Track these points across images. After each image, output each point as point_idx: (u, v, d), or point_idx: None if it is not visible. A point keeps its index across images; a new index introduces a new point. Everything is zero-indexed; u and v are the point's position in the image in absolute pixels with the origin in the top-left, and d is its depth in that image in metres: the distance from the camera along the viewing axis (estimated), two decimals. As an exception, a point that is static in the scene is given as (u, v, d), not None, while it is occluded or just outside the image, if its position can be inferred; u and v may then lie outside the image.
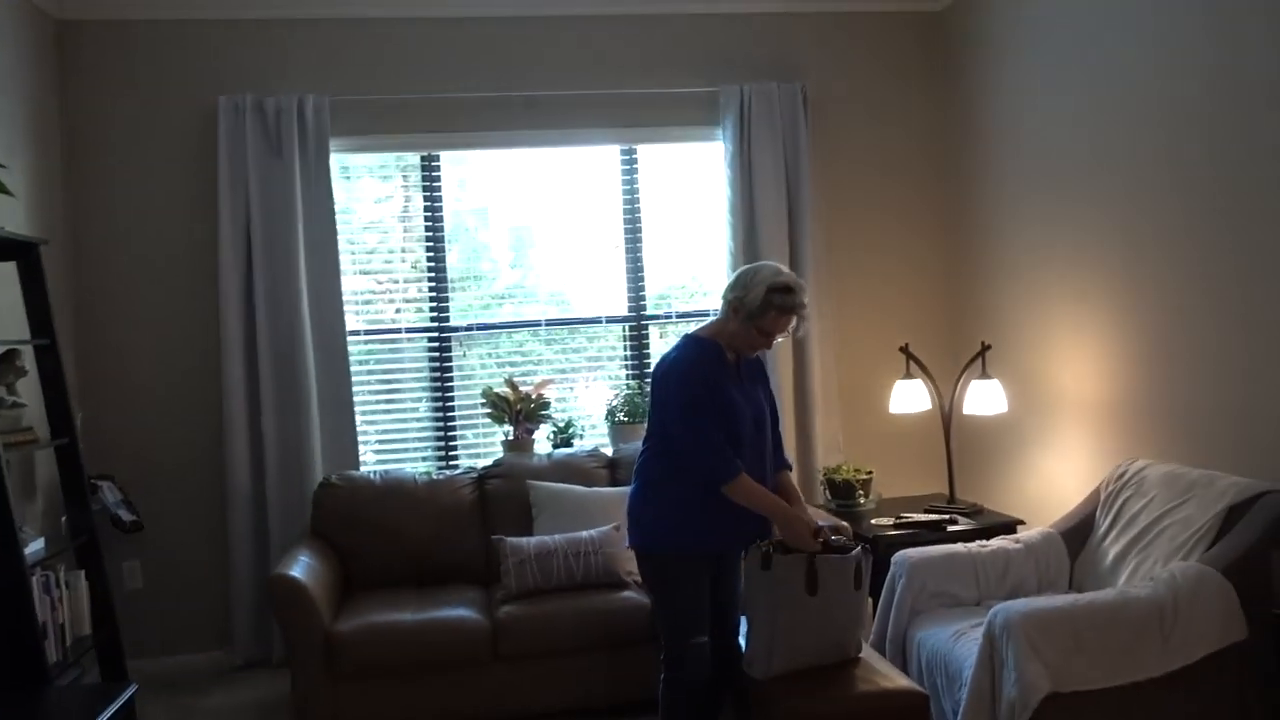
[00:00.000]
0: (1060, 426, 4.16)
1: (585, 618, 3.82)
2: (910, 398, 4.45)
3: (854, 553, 2.98)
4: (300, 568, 3.83)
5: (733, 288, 3.02)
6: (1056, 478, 4.17)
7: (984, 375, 4.21)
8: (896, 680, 2.91)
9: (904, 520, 4.14)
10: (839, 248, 5.00)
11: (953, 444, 4.38)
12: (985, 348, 4.25)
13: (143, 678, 4.46)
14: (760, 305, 2.94)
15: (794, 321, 3.01)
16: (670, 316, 5.11)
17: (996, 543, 3.63)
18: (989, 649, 2.86)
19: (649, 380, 5.09)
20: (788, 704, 2.81)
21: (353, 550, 4.26)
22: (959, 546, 3.62)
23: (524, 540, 4.03)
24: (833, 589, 2.91)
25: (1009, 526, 4.09)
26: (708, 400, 2.96)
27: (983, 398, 4.21)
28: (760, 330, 2.98)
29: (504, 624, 3.79)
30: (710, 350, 3.05)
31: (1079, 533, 3.60)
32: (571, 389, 5.11)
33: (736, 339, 3.03)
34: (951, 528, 4.08)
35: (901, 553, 3.59)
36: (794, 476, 3.31)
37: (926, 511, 4.29)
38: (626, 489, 4.46)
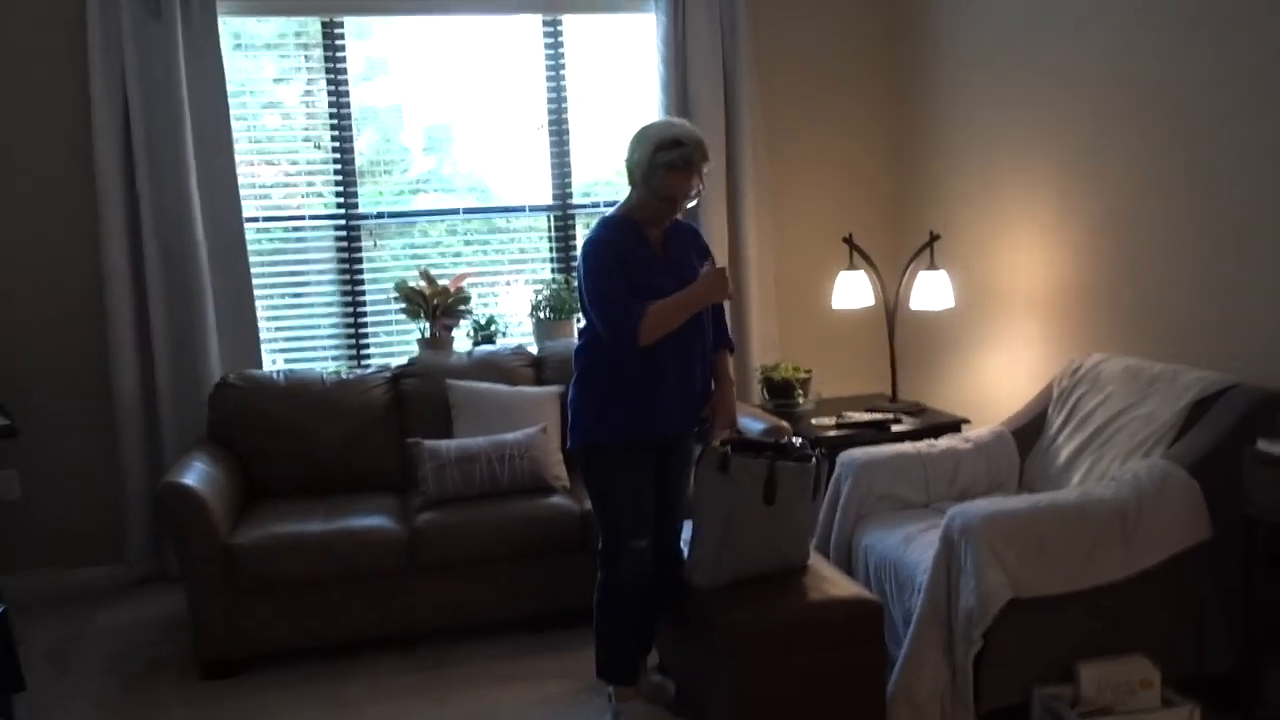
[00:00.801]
0: (1010, 322, 3.98)
1: (510, 525, 3.56)
2: (853, 292, 4.22)
3: (813, 461, 2.76)
4: (194, 475, 3.48)
5: (627, 153, 2.80)
6: (1005, 376, 4.00)
7: (931, 267, 3.99)
8: (846, 588, 2.73)
9: (845, 421, 3.95)
10: (780, 132, 4.68)
11: (896, 341, 4.17)
12: (934, 238, 4.01)
13: (30, 594, 4.11)
14: (649, 166, 2.71)
15: (695, 181, 2.75)
16: (598, 206, 4.77)
17: (945, 442, 3.45)
18: (946, 554, 2.68)
19: (572, 273, 4.80)
20: (731, 616, 2.60)
21: (254, 456, 3.91)
22: (907, 446, 3.43)
23: (443, 443, 3.73)
24: (789, 498, 2.69)
25: (953, 426, 3.93)
26: (614, 270, 2.73)
27: (929, 291, 3.99)
28: (657, 194, 2.73)
29: (422, 532, 3.51)
30: (621, 225, 2.82)
31: (1030, 431, 3.44)
32: (493, 288, 4.76)
33: (641, 210, 2.80)
34: (895, 427, 3.90)
35: (847, 453, 3.38)
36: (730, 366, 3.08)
37: (868, 411, 4.11)
38: (553, 388, 4.22)
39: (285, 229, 4.52)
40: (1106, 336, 3.51)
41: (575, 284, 3.06)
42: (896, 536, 3.07)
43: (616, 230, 2.81)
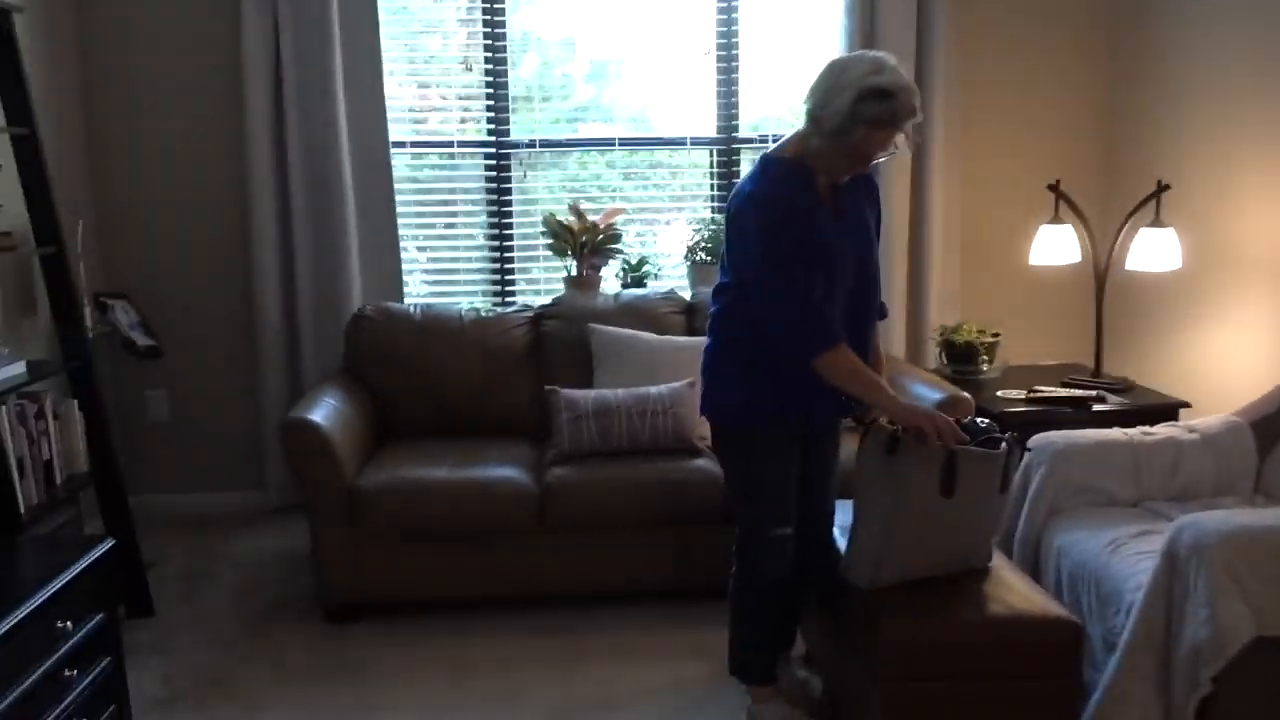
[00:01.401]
0: (1250, 292, 3.34)
1: (648, 488, 3.24)
2: (1056, 247, 3.65)
3: (1003, 447, 2.30)
4: (323, 411, 3.31)
5: (813, 93, 2.25)
6: (1239, 356, 3.37)
7: (1156, 222, 3.38)
8: (1037, 602, 2.27)
9: (1038, 395, 3.43)
10: (977, 56, 4.09)
11: (1105, 305, 3.59)
12: (1162, 188, 3.39)
13: (168, 516, 4.10)
14: (845, 118, 2.17)
15: (897, 138, 2.24)
16: (767, 140, 4.32)
17: (1164, 430, 2.90)
18: (1169, 573, 2.19)
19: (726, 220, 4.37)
20: (891, 628, 2.20)
21: (387, 393, 3.72)
22: (1115, 432, 2.91)
23: (581, 394, 3.43)
24: (972, 490, 2.25)
25: (1170, 411, 3.35)
26: (794, 243, 2.26)
27: (1151, 250, 3.39)
28: (849, 152, 2.23)
29: (553, 489, 3.23)
30: (795, 174, 2.32)
31: (1272, 426, 2.85)
32: (651, 227, 4.41)
33: (822, 160, 2.28)
34: (1097, 407, 3.35)
35: (1043, 436, 2.89)
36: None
37: (1065, 386, 3.57)
38: (703, 339, 3.82)
39: (438, 155, 4.28)
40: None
41: (722, 233, 2.57)
42: (1100, 541, 2.58)
43: (788, 175, 2.30)
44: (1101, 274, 3.55)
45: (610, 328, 3.72)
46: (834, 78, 2.21)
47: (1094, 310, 3.59)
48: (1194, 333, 3.54)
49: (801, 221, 2.28)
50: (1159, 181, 3.39)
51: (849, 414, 2.47)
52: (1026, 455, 2.92)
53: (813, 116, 2.24)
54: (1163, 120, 3.70)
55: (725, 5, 4.19)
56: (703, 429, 3.40)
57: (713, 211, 4.33)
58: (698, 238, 4.18)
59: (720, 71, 4.24)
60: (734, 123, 4.28)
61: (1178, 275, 3.45)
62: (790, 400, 2.39)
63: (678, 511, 3.23)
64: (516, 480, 3.26)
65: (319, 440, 3.17)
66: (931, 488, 2.23)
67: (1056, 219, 3.64)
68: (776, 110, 4.38)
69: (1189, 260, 3.42)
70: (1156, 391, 3.48)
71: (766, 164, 2.37)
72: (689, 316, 3.87)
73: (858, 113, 2.15)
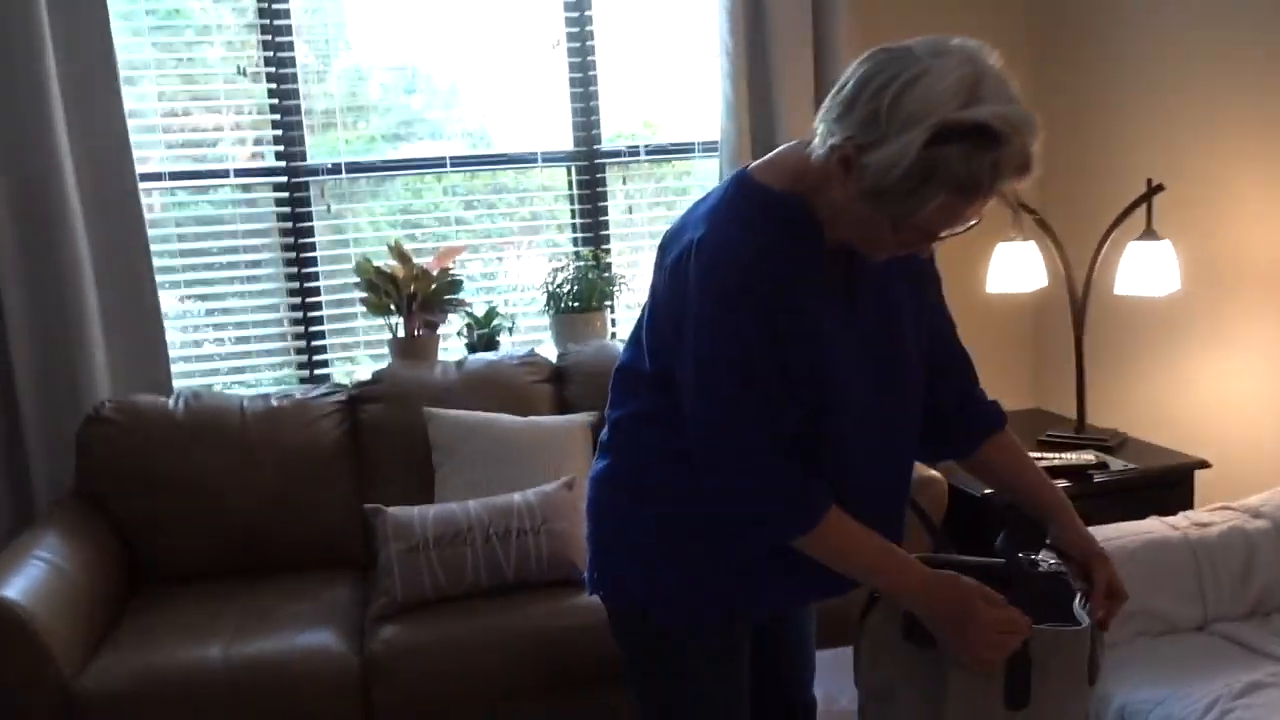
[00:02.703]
0: (1260, 314, 2.64)
1: (519, 644, 2.28)
2: (1018, 269, 2.89)
3: (1085, 611, 1.45)
4: (27, 577, 2.22)
5: (844, 108, 1.28)
6: (1255, 395, 2.66)
7: (1149, 233, 2.64)
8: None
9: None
10: (888, 31, 3.31)
11: (1085, 341, 2.83)
12: (1153, 190, 2.65)
13: None
14: (912, 175, 1.23)
15: (982, 206, 1.30)
16: (638, 153, 3.45)
17: (1218, 517, 2.14)
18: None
19: (604, 246, 3.51)
20: None
21: (139, 525, 2.64)
22: (1157, 524, 2.13)
23: (418, 512, 2.45)
24: (1052, 689, 1.39)
25: (1185, 474, 2.62)
26: (765, 343, 1.37)
27: (1144, 269, 2.65)
28: (906, 225, 1.30)
29: (380, 661, 2.24)
30: (788, 220, 1.39)
31: (1361, 499, 2.13)
32: (499, 259, 3.46)
33: (849, 223, 1.36)
34: (1097, 476, 2.58)
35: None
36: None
37: (1043, 446, 2.80)
38: (582, 417, 2.92)
39: (227, 189, 3.22)
40: None
41: (641, 310, 1.56)
42: (1191, 704, 1.77)
43: (779, 233, 1.38)
44: (1080, 300, 2.79)
45: (454, 411, 2.75)
46: (894, 92, 1.22)
47: (1071, 346, 2.83)
48: (1197, 369, 2.82)
49: (786, 305, 1.37)
50: (1149, 181, 2.64)
51: (843, 594, 1.56)
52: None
53: (841, 154, 1.28)
54: (1149, 114, 2.95)
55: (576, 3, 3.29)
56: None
57: (575, 244, 3.42)
58: (560, 276, 3.25)
59: (574, 70, 3.34)
60: (595, 133, 3.38)
61: (1174, 299, 2.72)
62: (740, 585, 1.49)
63: (564, 672, 2.29)
64: (328, 651, 2.26)
65: (16, 626, 2.09)
66: (990, 696, 1.36)
67: (1018, 234, 2.86)
68: (648, 114, 3.51)
69: (1188, 279, 2.69)
70: (1162, 448, 2.75)
71: (741, 190, 1.42)
72: (558, 385, 2.94)
73: (936, 167, 1.22)
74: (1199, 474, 2.63)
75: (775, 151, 1.47)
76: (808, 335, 1.40)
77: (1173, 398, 2.88)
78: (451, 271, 3.16)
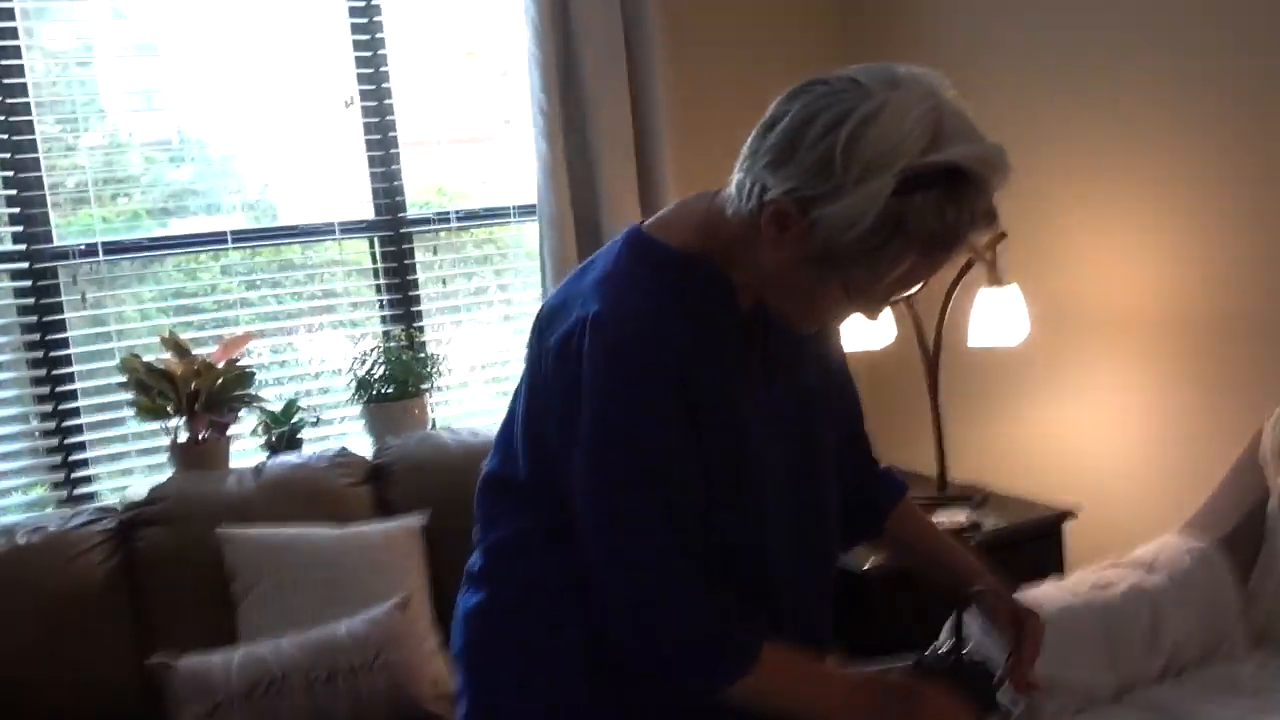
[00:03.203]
0: (1101, 358, 2.62)
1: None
2: (866, 326, 2.76)
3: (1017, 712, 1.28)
4: None
5: (784, 156, 1.03)
6: (1113, 444, 2.62)
7: (993, 280, 2.57)
8: None
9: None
10: (705, 92, 3.16)
11: (941, 396, 2.73)
12: (998, 237, 2.60)
13: None
14: (876, 231, 1.00)
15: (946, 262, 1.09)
16: (449, 220, 3.14)
17: (1116, 575, 2.02)
18: None
19: (417, 324, 3.15)
20: None
21: None
22: (1058, 591, 1.98)
23: (217, 661, 2.00)
24: None
25: (1054, 525, 2.53)
26: (677, 452, 1.12)
27: (993, 318, 2.57)
28: (860, 290, 1.08)
29: None
30: (700, 291, 1.15)
31: (1243, 540, 2.07)
32: (290, 345, 3.04)
33: (781, 292, 1.14)
34: (973, 538, 2.45)
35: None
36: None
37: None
38: (408, 521, 2.52)
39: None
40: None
41: (511, 404, 1.27)
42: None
43: (689, 308, 1.13)
44: (932, 354, 2.69)
45: (254, 528, 2.31)
46: (848, 133, 0.99)
47: (929, 403, 2.72)
48: (1052, 417, 2.77)
49: (703, 388, 1.12)
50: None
51: None
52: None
53: (776, 209, 1.03)
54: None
55: (367, 38, 2.97)
56: (436, 676, 2.11)
57: (384, 322, 3.05)
58: (368, 358, 2.88)
59: (371, 131, 3.00)
60: (398, 199, 3.05)
61: (1024, 348, 2.65)
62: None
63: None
64: None
65: None
66: None
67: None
68: (455, 178, 3.22)
69: (1037, 326, 2.63)
70: (1025, 500, 2.65)
71: (637, 252, 1.16)
72: (377, 486, 2.55)
73: (905, 220, 1.00)
74: (1070, 525, 2.55)
75: (670, 207, 1.22)
76: (726, 423, 1.14)
77: (1029, 447, 2.82)
78: (239, 363, 2.72)
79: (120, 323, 2.83)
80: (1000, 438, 2.89)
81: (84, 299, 2.76)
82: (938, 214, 0.99)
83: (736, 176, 1.09)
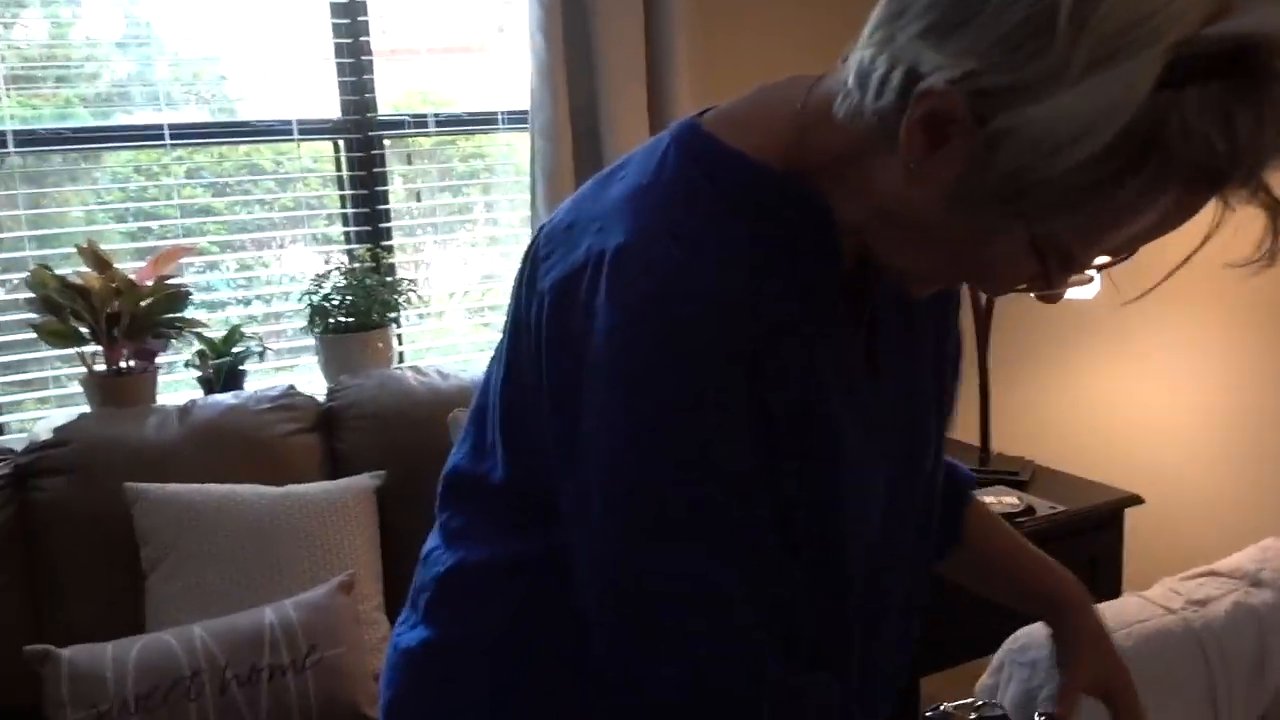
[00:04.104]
0: (1195, 324, 2.22)
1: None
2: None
3: None
4: None
5: (961, 17, 0.60)
6: (1188, 422, 2.24)
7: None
8: None
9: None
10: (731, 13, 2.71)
11: (990, 357, 2.34)
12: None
13: None
14: (1135, 146, 0.57)
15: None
16: (426, 124, 2.71)
17: (1217, 591, 1.66)
18: None
19: (384, 243, 2.73)
20: None
21: None
22: (1143, 606, 1.62)
23: (110, 653, 1.63)
24: None
25: (1117, 511, 2.16)
26: (752, 463, 0.71)
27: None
28: (1056, 243, 0.64)
29: None
30: (793, 226, 0.73)
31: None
32: (261, 262, 2.64)
33: (898, 229, 0.71)
34: (1027, 523, 2.08)
35: (1023, 638, 1.54)
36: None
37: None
38: (360, 480, 2.11)
39: None
40: None
41: (488, 370, 0.87)
42: None
43: (771, 250, 0.73)
44: (983, 308, 2.29)
45: (172, 485, 1.92)
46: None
47: (976, 363, 2.33)
48: (1109, 386, 2.39)
49: (783, 379, 0.72)
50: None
51: None
52: (1004, 670, 1.57)
53: (942, 104, 0.62)
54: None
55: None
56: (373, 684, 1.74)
57: (348, 240, 2.64)
58: (328, 286, 2.47)
59: (338, 14, 2.55)
60: (368, 96, 2.61)
61: (1085, 305, 2.26)
62: None
63: None
64: None
65: None
66: None
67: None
68: (437, 76, 2.78)
69: (1107, 280, 2.23)
70: (1081, 480, 2.28)
71: (696, 161, 0.75)
72: (327, 435, 2.17)
73: (1167, 132, 0.57)
74: (1133, 512, 2.18)
75: (745, 96, 0.79)
76: (817, 429, 0.75)
77: (1087, 419, 2.44)
78: (170, 280, 2.31)
79: (38, 227, 2.41)
80: (1060, 408, 2.51)
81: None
82: (1223, 122, 0.57)
83: (859, 54, 0.68)
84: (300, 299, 2.48)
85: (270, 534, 1.85)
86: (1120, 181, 0.60)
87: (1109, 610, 1.61)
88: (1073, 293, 2.17)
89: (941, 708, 1.02)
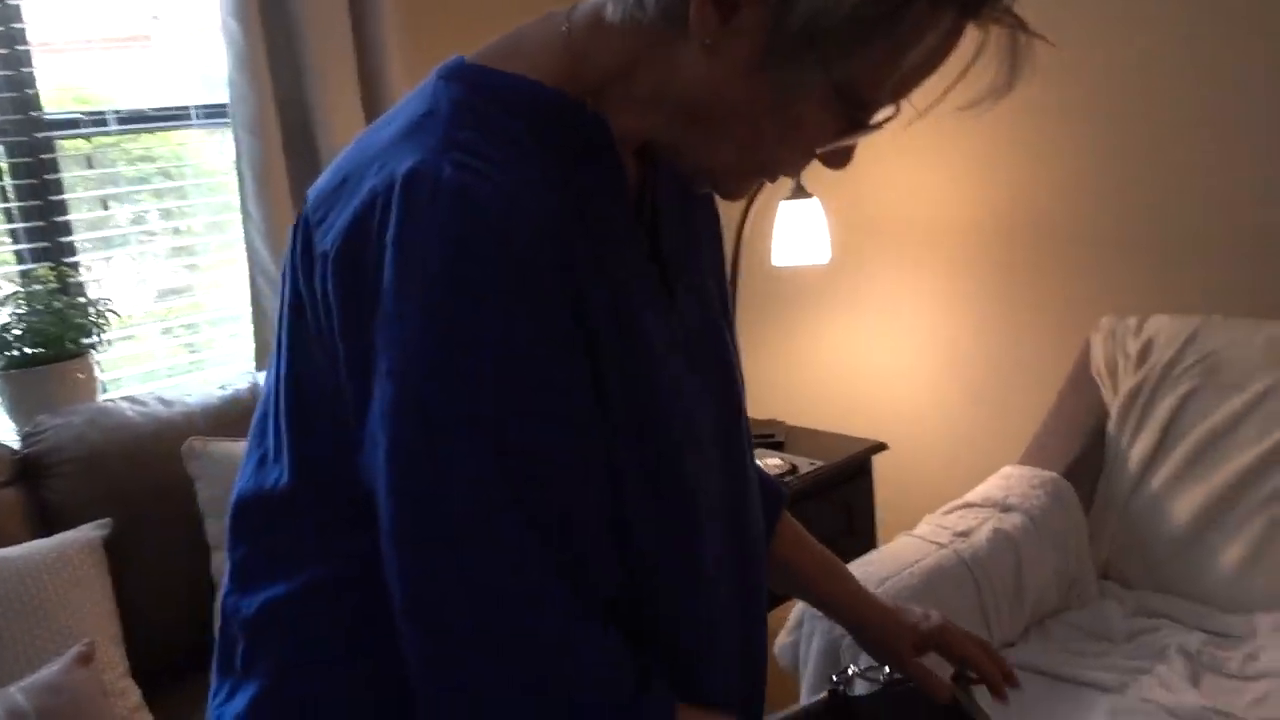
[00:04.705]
0: (925, 279, 2.39)
1: None
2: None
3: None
4: None
5: None
6: (927, 371, 2.42)
7: (797, 192, 2.26)
8: None
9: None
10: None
11: (736, 324, 2.40)
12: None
13: None
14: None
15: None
16: (105, 122, 2.39)
17: (977, 520, 1.79)
18: None
19: (68, 260, 2.38)
20: None
21: None
22: (917, 544, 1.72)
23: None
24: None
25: (865, 459, 2.29)
26: (571, 390, 0.67)
27: (795, 234, 2.27)
28: (855, 85, 0.68)
29: None
30: (578, 138, 0.72)
31: (1084, 469, 1.91)
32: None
33: (687, 120, 0.72)
34: (794, 483, 2.16)
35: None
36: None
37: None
38: (83, 533, 1.75)
39: None
40: (1126, 288, 2.06)
41: (269, 380, 0.79)
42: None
43: (561, 163, 0.71)
44: (730, 277, 2.34)
45: None
46: None
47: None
48: (851, 344, 2.53)
49: (587, 296, 0.68)
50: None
51: None
52: (803, 628, 1.62)
53: None
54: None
55: None
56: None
57: (21, 259, 2.28)
58: (6, 315, 2.12)
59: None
60: (29, 92, 2.26)
61: (826, 268, 2.37)
62: None
63: None
64: None
65: None
66: None
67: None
68: (108, 83, 2.46)
69: (839, 245, 2.35)
70: (829, 434, 2.40)
71: (470, 90, 0.71)
72: (30, 487, 1.86)
73: None
74: (879, 459, 2.33)
75: (504, 36, 0.76)
76: (634, 365, 0.73)
77: (834, 378, 2.58)
78: None
79: None
80: (802, 369, 2.63)
81: None
82: None
83: None
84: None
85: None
86: (902, 12, 0.64)
87: (888, 554, 1.70)
88: (808, 259, 2.27)
89: (850, 671, 1.03)
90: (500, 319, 0.63)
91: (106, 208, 2.43)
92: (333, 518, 0.74)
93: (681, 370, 0.79)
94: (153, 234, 2.52)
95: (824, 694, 1.05)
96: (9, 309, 2.12)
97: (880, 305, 2.43)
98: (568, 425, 0.67)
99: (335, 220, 0.68)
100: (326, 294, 0.67)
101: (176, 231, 2.53)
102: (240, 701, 0.78)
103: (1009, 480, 1.86)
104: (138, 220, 2.49)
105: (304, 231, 0.72)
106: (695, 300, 0.85)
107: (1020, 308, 2.19)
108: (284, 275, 0.74)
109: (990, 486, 1.87)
